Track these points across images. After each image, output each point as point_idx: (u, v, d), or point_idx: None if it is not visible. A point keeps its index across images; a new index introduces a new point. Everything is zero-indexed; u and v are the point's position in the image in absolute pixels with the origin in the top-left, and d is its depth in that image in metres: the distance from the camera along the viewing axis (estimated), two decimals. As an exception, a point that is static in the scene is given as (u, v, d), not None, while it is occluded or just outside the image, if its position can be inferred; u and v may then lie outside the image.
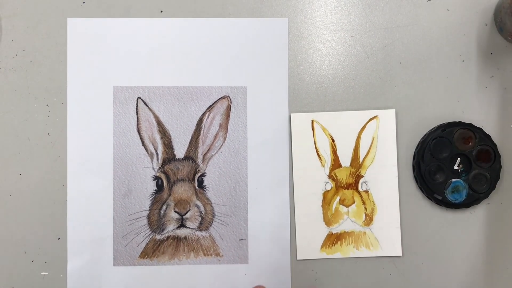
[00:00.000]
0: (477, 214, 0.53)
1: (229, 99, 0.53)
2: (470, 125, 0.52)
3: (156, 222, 0.52)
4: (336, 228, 0.53)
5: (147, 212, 0.52)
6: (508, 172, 0.53)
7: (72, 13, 0.53)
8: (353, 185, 0.53)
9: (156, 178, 0.53)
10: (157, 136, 0.53)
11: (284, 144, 0.53)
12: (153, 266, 0.52)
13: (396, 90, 0.54)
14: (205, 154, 0.53)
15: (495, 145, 0.52)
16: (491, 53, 0.54)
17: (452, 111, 0.53)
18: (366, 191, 0.53)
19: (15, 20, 0.53)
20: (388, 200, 0.53)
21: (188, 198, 0.52)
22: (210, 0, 0.53)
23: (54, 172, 0.52)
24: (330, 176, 0.53)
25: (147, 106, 0.53)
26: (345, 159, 0.53)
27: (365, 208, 0.53)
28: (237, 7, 0.53)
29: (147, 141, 0.53)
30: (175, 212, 0.52)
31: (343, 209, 0.53)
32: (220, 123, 0.53)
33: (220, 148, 0.53)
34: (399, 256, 0.53)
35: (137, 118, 0.53)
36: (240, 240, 0.53)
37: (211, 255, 0.53)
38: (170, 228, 0.52)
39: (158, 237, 0.52)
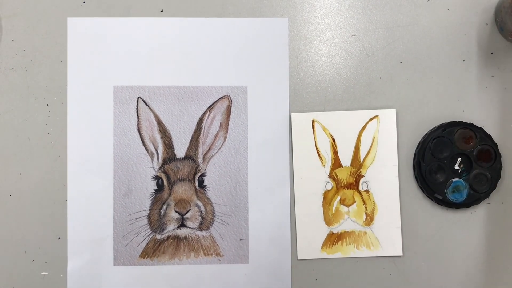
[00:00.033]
0: (477, 214, 0.53)
1: (229, 99, 0.53)
2: (471, 124, 0.52)
3: (156, 221, 0.52)
4: (337, 228, 0.53)
5: (148, 211, 0.52)
6: (508, 172, 0.53)
7: (72, 13, 0.53)
8: (354, 185, 0.53)
9: (157, 177, 0.53)
10: (158, 136, 0.53)
11: (284, 143, 0.53)
12: (153, 266, 0.52)
13: (396, 89, 0.54)
14: (206, 153, 0.53)
15: (495, 144, 0.52)
16: (492, 53, 0.54)
17: (452, 111, 0.53)
18: (367, 191, 0.53)
19: (15, 20, 0.53)
20: (389, 200, 0.53)
21: (189, 197, 0.52)
22: (210, 0, 0.53)
23: (54, 172, 0.52)
24: (330, 176, 0.53)
25: (148, 106, 0.53)
26: (346, 159, 0.53)
27: (366, 208, 0.53)
28: (237, 7, 0.53)
29: (147, 141, 0.53)
30: (176, 211, 0.52)
31: (343, 208, 0.53)
32: (220, 123, 0.53)
33: (220, 147, 0.53)
34: (400, 256, 0.53)
35: (138, 118, 0.53)
36: (240, 240, 0.53)
37: (212, 255, 0.53)
38: (171, 228, 0.52)
39: (158, 237, 0.52)
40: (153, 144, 0.53)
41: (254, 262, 0.52)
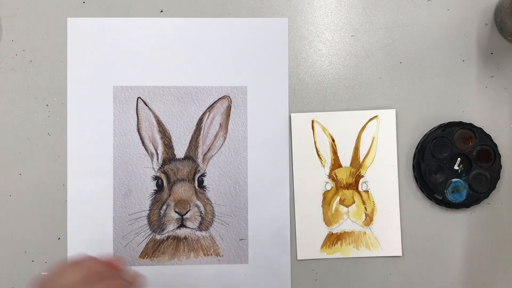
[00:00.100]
0: (477, 214, 0.53)
1: (229, 99, 0.53)
2: (470, 125, 0.52)
3: (156, 222, 0.52)
4: (336, 228, 0.53)
5: (147, 212, 0.52)
6: (508, 172, 0.53)
7: (72, 13, 0.53)
8: (353, 185, 0.53)
9: (156, 178, 0.53)
10: (157, 136, 0.53)
11: (284, 144, 0.53)
12: (153, 266, 0.52)
13: (396, 90, 0.54)
14: (205, 154, 0.53)
15: (495, 145, 0.52)
16: (491, 53, 0.54)
17: (452, 111, 0.53)
18: (366, 191, 0.53)
19: (15, 20, 0.53)
20: (388, 200, 0.53)
21: (188, 198, 0.52)
22: (210, 0, 0.53)
23: (54, 172, 0.52)
24: (330, 176, 0.53)
25: (147, 106, 0.53)
26: (345, 159, 0.53)
27: (365, 208, 0.53)
28: (237, 7, 0.53)
29: (147, 141, 0.53)
30: (175, 212, 0.52)
31: (343, 209, 0.53)
32: (220, 123, 0.53)
33: (220, 148, 0.53)
34: (399, 256, 0.53)
35: (137, 118, 0.53)
36: (240, 240, 0.53)
37: (211, 255, 0.53)
38: (170, 228, 0.52)
39: (158, 237, 0.52)
40: (153, 144, 0.53)
41: (254, 262, 0.53)
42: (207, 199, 0.53)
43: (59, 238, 0.52)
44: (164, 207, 0.52)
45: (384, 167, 0.53)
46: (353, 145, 0.53)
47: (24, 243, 0.52)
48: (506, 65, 0.54)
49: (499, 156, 0.52)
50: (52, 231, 0.52)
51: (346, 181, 0.53)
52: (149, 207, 0.52)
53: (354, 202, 0.53)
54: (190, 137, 0.53)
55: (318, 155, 0.53)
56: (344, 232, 0.53)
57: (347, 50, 0.54)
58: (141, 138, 0.53)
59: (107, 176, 0.52)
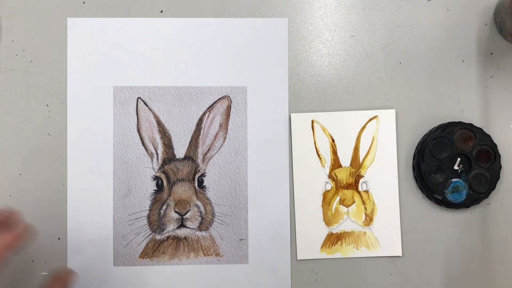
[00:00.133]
0: (477, 214, 0.53)
1: (229, 99, 0.53)
2: (470, 125, 0.52)
3: (156, 222, 0.52)
4: (336, 228, 0.53)
5: (147, 212, 0.52)
6: (508, 172, 0.53)
7: (72, 13, 0.53)
8: (353, 185, 0.53)
9: (156, 178, 0.53)
10: (157, 136, 0.53)
11: (284, 144, 0.53)
12: (153, 266, 0.52)
13: (396, 90, 0.54)
14: (205, 154, 0.53)
15: (495, 145, 0.52)
16: (491, 53, 0.54)
17: (452, 111, 0.53)
18: (366, 191, 0.53)
19: (15, 20, 0.53)
20: (388, 200, 0.53)
21: (188, 198, 0.52)
22: (210, 0, 0.53)
23: (54, 172, 0.52)
24: (330, 176, 0.53)
25: (147, 106, 0.53)
26: (345, 159, 0.53)
27: (365, 208, 0.53)
28: (237, 7, 0.53)
29: (147, 141, 0.53)
30: (175, 212, 0.52)
31: (343, 209, 0.53)
32: (220, 123, 0.53)
33: (220, 148, 0.53)
34: (399, 256, 0.53)
35: (137, 118, 0.53)
36: (240, 240, 0.53)
37: (211, 255, 0.53)
38: (170, 228, 0.52)
39: (158, 237, 0.52)
40: (152, 144, 0.53)
41: (254, 262, 0.53)
42: (207, 199, 0.53)
43: (59, 238, 0.52)
44: (164, 207, 0.52)
45: (384, 167, 0.53)
46: (353, 145, 0.53)
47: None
48: (506, 65, 0.54)
49: (499, 156, 0.52)
50: (52, 231, 0.52)
51: (346, 181, 0.53)
52: (149, 207, 0.52)
53: (354, 202, 0.53)
54: (190, 137, 0.53)
55: (318, 155, 0.53)
56: (344, 232, 0.53)
57: (347, 50, 0.54)
58: (141, 138, 0.53)
59: (107, 176, 0.52)
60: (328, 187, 0.53)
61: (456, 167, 0.52)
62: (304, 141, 0.53)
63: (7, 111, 0.53)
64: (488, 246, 0.53)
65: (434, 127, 0.53)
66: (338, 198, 0.53)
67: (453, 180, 0.52)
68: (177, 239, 0.52)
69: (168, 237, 0.52)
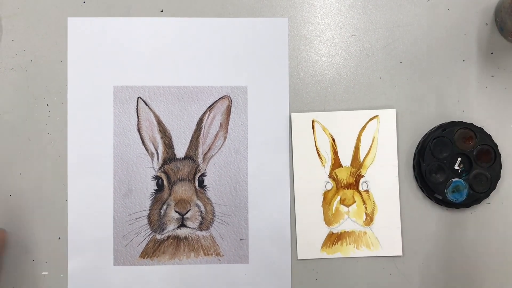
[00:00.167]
0: (477, 214, 0.53)
1: (229, 99, 0.53)
2: (471, 124, 0.52)
3: (156, 221, 0.52)
4: (337, 228, 0.53)
5: (148, 211, 0.52)
6: (508, 172, 0.53)
7: (72, 13, 0.53)
8: (354, 185, 0.53)
9: (157, 177, 0.53)
10: (158, 136, 0.53)
11: (284, 144, 0.53)
12: (153, 266, 0.52)
13: (396, 89, 0.54)
14: (206, 153, 0.53)
15: (495, 144, 0.52)
16: (492, 53, 0.54)
17: (452, 111, 0.53)
18: (367, 191, 0.53)
19: (15, 20, 0.53)
20: (389, 200, 0.53)
21: (189, 197, 0.52)
22: (210, 0, 0.53)
23: (54, 172, 0.52)
24: (330, 176, 0.53)
25: (148, 106, 0.53)
26: (346, 159, 0.53)
27: (366, 208, 0.53)
28: (237, 7, 0.53)
29: (147, 141, 0.53)
30: (176, 211, 0.52)
31: (343, 209, 0.53)
32: (220, 123, 0.53)
33: (220, 147, 0.53)
34: (400, 256, 0.53)
35: (138, 118, 0.53)
36: (240, 240, 0.53)
37: (212, 254, 0.53)
38: (171, 228, 0.52)
39: (158, 236, 0.52)
40: (153, 144, 0.53)
41: (254, 262, 0.53)
42: (208, 198, 0.53)
43: (59, 238, 0.52)
44: (165, 207, 0.52)
45: (384, 167, 0.53)
46: (353, 145, 0.53)
47: (24, 243, 0.52)
48: (506, 65, 0.54)
49: (499, 156, 0.52)
50: (52, 231, 0.52)
51: (347, 181, 0.53)
52: (150, 206, 0.52)
53: (355, 202, 0.53)
54: (191, 137, 0.53)
55: (318, 155, 0.53)
56: (345, 232, 0.53)
57: (347, 50, 0.54)
58: (141, 138, 0.53)
59: (107, 176, 0.52)
60: (329, 186, 0.53)
61: (456, 167, 0.52)
62: (305, 141, 0.53)
63: (7, 111, 0.53)
64: (488, 246, 0.53)
65: (434, 127, 0.53)
66: (338, 198, 0.53)
67: (454, 180, 0.52)
68: (177, 238, 0.52)
69: (168, 237, 0.52)
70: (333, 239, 0.53)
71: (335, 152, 0.53)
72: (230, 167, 0.53)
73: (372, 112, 0.53)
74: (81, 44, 0.53)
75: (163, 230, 0.52)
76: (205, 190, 0.53)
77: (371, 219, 0.53)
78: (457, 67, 0.54)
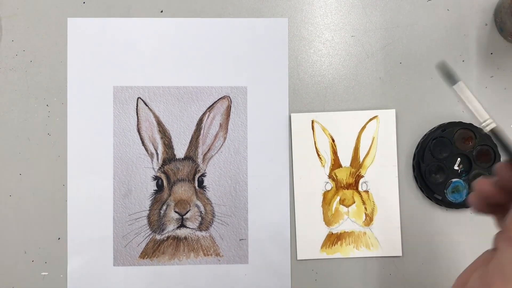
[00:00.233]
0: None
1: (229, 99, 0.53)
2: (470, 125, 0.52)
3: (156, 222, 0.52)
4: (336, 228, 0.53)
5: (147, 212, 0.52)
6: (508, 172, 0.53)
7: (72, 13, 0.53)
8: (353, 185, 0.53)
9: (156, 178, 0.53)
10: (157, 136, 0.53)
11: (284, 144, 0.53)
12: (153, 266, 0.52)
13: (396, 90, 0.54)
14: (205, 154, 0.53)
15: (495, 145, 0.52)
16: (491, 53, 0.54)
17: (452, 111, 0.53)
18: (366, 191, 0.53)
19: (15, 20, 0.53)
20: (388, 200, 0.53)
21: (188, 198, 0.52)
22: (210, 0, 0.53)
23: (54, 172, 0.52)
24: (330, 176, 0.53)
25: (147, 106, 0.53)
26: (345, 159, 0.53)
27: (365, 208, 0.53)
28: (237, 7, 0.53)
29: (147, 141, 0.53)
30: (175, 212, 0.52)
31: (343, 209, 0.53)
32: (220, 123, 0.53)
33: (220, 148, 0.53)
34: (399, 256, 0.53)
35: (137, 118, 0.53)
36: (240, 240, 0.53)
37: (211, 255, 0.53)
38: (170, 228, 0.52)
39: (158, 237, 0.52)
40: (153, 144, 0.53)
41: (254, 262, 0.53)
42: (207, 199, 0.53)
43: (59, 238, 0.52)
44: (164, 207, 0.52)
45: (384, 167, 0.53)
46: (353, 145, 0.53)
47: (24, 243, 0.52)
48: (506, 65, 0.54)
49: (499, 156, 0.52)
50: (52, 231, 0.52)
51: (346, 181, 0.53)
52: (149, 207, 0.52)
53: (354, 202, 0.53)
54: (190, 137, 0.53)
55: (318, 155, 0.53)
56: (344, 232, 0.53)
57: (347, 50, 0.54)
58: (141, 138, 0.53)
59: (107, 176, 0.52)
60: (328, 187, 0.53)
61: (456, 167, 0.52)
62: (304, 141, 0.53)
63: (7, 111, 0.53)
64: (488, 246, 0.53)
65: (434, 127, 0.53)
66: (338, 198, 0.53)
67: (453, 180, 0.52)
68: (177, 239, 0.52)
69: (168, 237, 0.52)
70: (333, 239, 0.53)
71: (334, 152, 0.53)
72: (230, 167, 0.53)
73: (372, 113, 0.53)
74: (81, 44, 0.53)
75: (163, 230, 0.52)
76: (204, 191, 0.53)
77: (371, 220, 0.53)
78: (457, 67, 0.54)
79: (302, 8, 0.54)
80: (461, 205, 0.52)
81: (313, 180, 0.53)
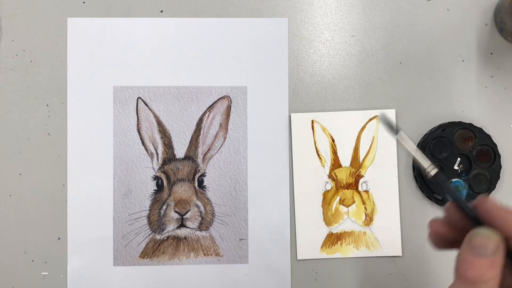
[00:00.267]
0: (477, 214, 0.53)
1: (229, 99, 0.53)
2: (470, 125, 0.52)
3: (156, 222, 0.52)
4: (336, 228, 0.53)
5: (147, 212, 0.52)
6: (508, 172, 0.53)
7: (72, 13, 0.53)
8: (353, 185, 0.53)
9: (156, 178, 0.53)
10: (157, 136, 0.53)
11: (284, 144, 0.53)
12: (153, 266, 0.52)
13: (396, 90, 0.54)
14: (205, 154, 0.53)
15: (495, 145, 0.52)
16: (491, 53, 0.54)
17: (452, 111, 0.53)
18: (366, 191, 0.53)
19: (15, 20, 0.53)
20: (388, 200, 0.53)
21: (188, 198, 0.52)
22: (210, 0, 0.53)
23: (54, 172, 0.52)
24: (330, 176, 0.53)
25: (147, 106, 0.53)
26: (345, 159, 0.53)
27: (365, 208, 0.53)
28: (237, 7, 0.53)
29: (147, 141, 0.53)
30: (175, 212, 0.52)
31: (343, 209, 0.53)
32: (220, 123, 0.53)
33: (220, 148, 0.53)
34: (399, 256, 0.53)
35: (137, 118, 0.53)
36: (240, 240, 0.53)
37: (211, 255, 0.53)
38: (170, 228, 0.52)
39: (158, 237, 0.52)
40: (152, 144, 0.53)
41: (254, 262, 0.53)
42: (207, 199, 0.53)
43: (59, 238, 0.52)
44: (164, 207, 0.52)
45: (384, 167, 0.53)
46: (353, 145, 0.53)
47: (24, 243, 0.52)
48: (506, 65, 0.54)
49: (499, 156, 0.52)
50: (52, 231, 0.52)
51: (346, 181, 0.53)
52: (149, 207, 0.52)
53: (354, 202, 0.53)
54: (190, 137, 0.53)
55: (318, 155, 0.53)
56: (344, 232, 0.53)
57: (347, 50, 0.54)
58: (141, 138, 0.53)
59: (107, 176, 0.52)
60: (328, 187, 0.53)
61: (456, 167, 0.52)
62: (304, 141, 0.53)
63: (7, 111, 0.53)
64: (488, 246, 0.53)
65: (434, 127, 0.53)
66: (338, 198, 0.53)
67: (453, 180, 0.52)
68: (177, 239, 0.52)
69: (168, 237, 0.52)
70: (333, 239, 0.53)
71: (334, 152, 0.53)
72: (230, 167, 0.53)
73: (372, 112, 0.53)
74: (81, 44, 0.53)
75: (163, 230, 0.52)
76: (204, 190, 0.53)
77: (371, 219, 0.53)
78: (457, 67, 0.54)
79: (302, 8, 0.54)
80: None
81: (313, 180, 0.53)
